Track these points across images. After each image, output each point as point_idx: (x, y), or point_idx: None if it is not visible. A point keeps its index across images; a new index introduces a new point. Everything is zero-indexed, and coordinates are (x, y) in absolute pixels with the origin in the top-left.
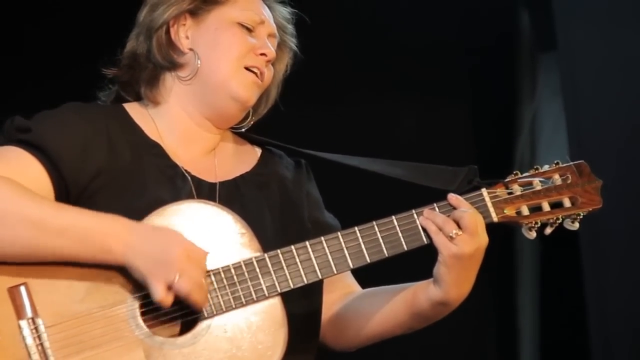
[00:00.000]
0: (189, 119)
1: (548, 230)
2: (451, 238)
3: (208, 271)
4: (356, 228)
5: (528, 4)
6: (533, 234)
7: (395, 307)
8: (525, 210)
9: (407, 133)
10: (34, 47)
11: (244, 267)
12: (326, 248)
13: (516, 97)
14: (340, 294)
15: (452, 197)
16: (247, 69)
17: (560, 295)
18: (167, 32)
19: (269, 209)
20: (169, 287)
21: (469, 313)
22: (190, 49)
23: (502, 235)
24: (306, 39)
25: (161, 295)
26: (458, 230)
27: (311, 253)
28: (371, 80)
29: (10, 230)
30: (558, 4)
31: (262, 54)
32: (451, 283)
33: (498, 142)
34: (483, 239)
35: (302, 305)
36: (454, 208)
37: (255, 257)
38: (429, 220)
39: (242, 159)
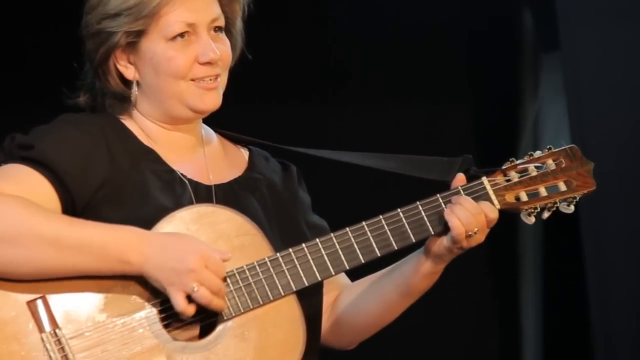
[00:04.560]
0: (159, 123)
1: (546, 215)
2: (469, 236)
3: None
4: (364, 223)
5: (531, 3)
6: (532, 219)
7: (387, 293)
8: (524, 196)
9: (407, 133)
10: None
11: (257, 267)
12: (336, 244)
13: (519, 97)
14: (337, 294)
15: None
16: (196, 81)
17: (563, 295)
18: (114, 62)
19: (264, 212)
20: (189, 297)
21: (471, 312)
22: (137, 81)
23: (504, 234)
24: (304, 38)
25: (182, 306)
26: (476, 229)
27: (322, 250)
28: (371, 80)
29: (26, 249)
30: (561, 4)
31: (206, 63)
32: (447, 261)
33: (500, 142)
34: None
35: (303, 307)
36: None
37: (268, 257)
38: (455, 214)
39: (233, 163)
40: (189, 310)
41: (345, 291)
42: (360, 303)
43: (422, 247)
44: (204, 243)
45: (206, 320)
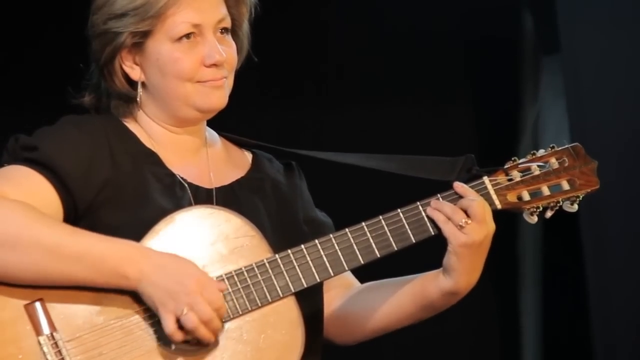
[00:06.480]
0: (164, 125)
1: (549, 214)
2: (460, 227)
3: (221, 275)
4: (363, 223)
5: (531, 5)
6: (534, 219)
7: (402, 299)
8: (526, 196)
9: (408, 135)
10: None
11: (256, 269)
12: (336, 245)
13: (519, 100)
14: (340, 290)
15: (458, 186)
16: (202, 82)
17: (563, 295)
18: (119, 63)
19: (266, 213)
20: (178, 320)
21: (471, 313)
22: (143, 82)
23: (504, 235)
24: (305, 40)
25: (171, 329)
26: (467, 219)
27: (321, 251)
28: (373, 81)
29: (25, 256)
30: (561, 6)
31: (211, 65)
32: (462, 272)
33: (500, 145)
34: (491, 226)
35: (305, 307)
36: (459, 197)
37: (267, 259)
38: (437, 210)
39: (235, 164)
40: (177, 335)
41: (359, 292)
42: (374, 305)
43: None
44: (203, 271)
45: None
